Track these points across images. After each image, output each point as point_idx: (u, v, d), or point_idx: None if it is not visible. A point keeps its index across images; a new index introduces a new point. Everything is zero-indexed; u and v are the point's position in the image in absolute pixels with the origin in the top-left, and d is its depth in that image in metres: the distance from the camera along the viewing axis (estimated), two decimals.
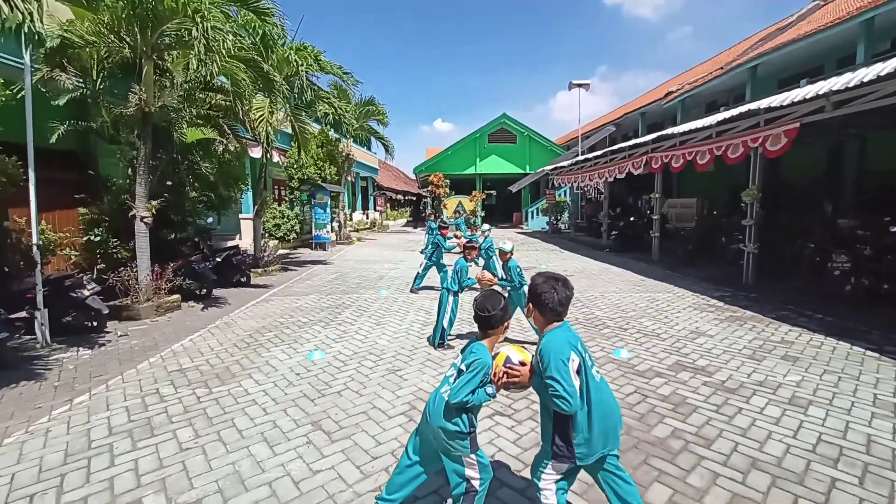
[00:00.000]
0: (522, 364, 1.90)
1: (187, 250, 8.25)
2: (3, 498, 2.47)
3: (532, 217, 25.88)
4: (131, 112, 5.95)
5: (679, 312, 6.51)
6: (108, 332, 5.60)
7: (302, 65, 8.20)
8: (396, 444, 2.97)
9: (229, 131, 8.28)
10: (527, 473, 2.66)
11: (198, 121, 7.80)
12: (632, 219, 15.56)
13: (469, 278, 5.01)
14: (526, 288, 4.90)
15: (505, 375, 1.89)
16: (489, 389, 1.92)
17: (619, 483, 1.95)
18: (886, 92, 5.79)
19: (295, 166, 14.79)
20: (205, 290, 7.43)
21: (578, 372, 1.79)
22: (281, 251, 12.36)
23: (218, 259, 8.21)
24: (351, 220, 21.73)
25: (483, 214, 26.06)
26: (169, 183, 7.75)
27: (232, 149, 9.30)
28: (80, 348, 5.04)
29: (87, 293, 5.29)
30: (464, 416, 1.96)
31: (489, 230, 8.69)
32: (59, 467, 2.76)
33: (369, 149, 25.65)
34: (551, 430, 1.89)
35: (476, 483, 2.02)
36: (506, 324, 2.10)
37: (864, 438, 3.03)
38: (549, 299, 1.88)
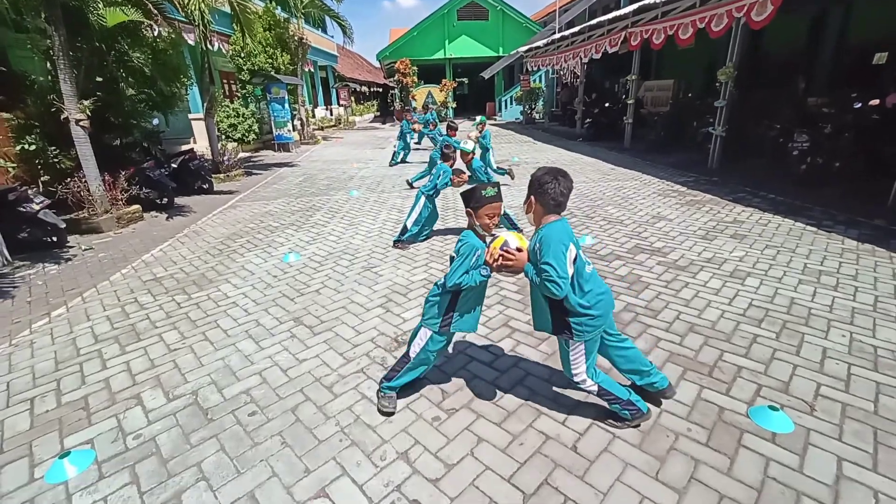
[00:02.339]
0: (519, 250, 1.98)
1: (137, 157, 7.69)
2: (3, 403, 2.62)
3: (506, 106, 24.72)
4: None
5: (643, 199, 6.73)
6: (71, 247, 5.45)
7: None
8: (375, 333, 3.21)
9: (156, 12, 7.14)
10: (545, 348, 2.97)
11: None
12: (607, 105, 15.08)
13: (446, 181, 4.86)
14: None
15: (501, 259, 1.98)
16: (483, 271, 2.07)
17: (624, 350, 2.26)
18: None
19: (242, 55, 13.20)
20: (166, 200, 7.12)
21: (574, 262, 1.91)
22: (242, 154, 11.66)
23: (173, 165, 7.73)
24: (313, 116, 20.26)
25: (454, 106, 24.74)
26: (99, 79, 6.89)
27: (165, 34, 8.17)
28: (46, 264, 4.93)
29: (36, 207, 5.01)
30: (446, 296, 2.18)
31: (485, 123, 8.32)
32: (51, 373, 2.90)
33: (325, 32, 22.89)
34: (549, 318, 2.06)
35: (412, 354, 2.30)
36: (487, 212, 2.12)
37: (787, 301, 3.44)
38: (551, 190, 1.92)
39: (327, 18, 16.98)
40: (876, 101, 7.37)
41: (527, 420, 2.31)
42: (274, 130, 13.65)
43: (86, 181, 5.99)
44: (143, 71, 7.15)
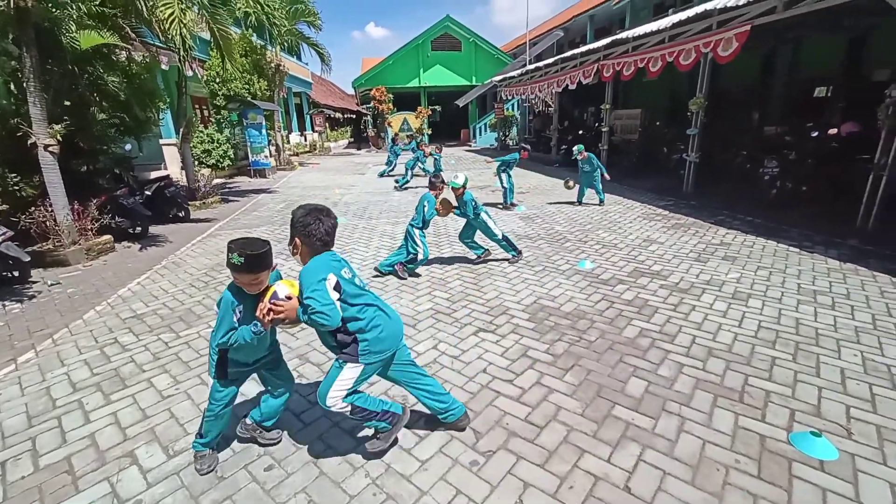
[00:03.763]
0: (289, 298, 1.91)
1: (107, 184, 7.26)
2: None
3: (480, 133, 25.29)
4: (1, 8, 4.68)
5: (631, 223, 6.89)
6: (34, 282, 4.98)
7: None
8: None
9: (133, 35, 6.90)
10: (521, 382, 2.84)
11: (90, 21, 6.37)
12: (580, 132, 15.65)
13: (432, 211, 4.72)
14: (483, 215, 4.90)
15: (271, 312, 1.87)
16: (254, 327, 1.92)
17: (416, 378, 2.27)
18: None
19: (217, 80, 12.95)
20: (139, 229, 6.70)
21: (337, 289, 1.88)
22: (217, 180, 11.26)
23: (147, 192, 7.34)
24: (288, 142, 20.01)
25: (430, 132, 25.10)
26: (67, 103, 6.51)
27: (139, 58, 7.90)
28: (6, 302, 4.47)
29: None
30: (214, 353, 2.05)
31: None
32: (24, 431, 2.55)
33: (300, 59, 22.92)
34: (332, 340, 2.04)
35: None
36: (242, 281, 1.93)
37: (793, 322, 3.51)
38: (315, 231, 1.92)
39: (303, 46, 17.04)
40: (834, 130, 7.93)
41: (570, 459, 2.18)
42: (250, 156, 13.32)
43: (52, 210, 5.55)
44: (117, 95, 6.83)
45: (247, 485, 2.08)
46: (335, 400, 1.99)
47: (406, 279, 4.74)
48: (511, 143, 21.79)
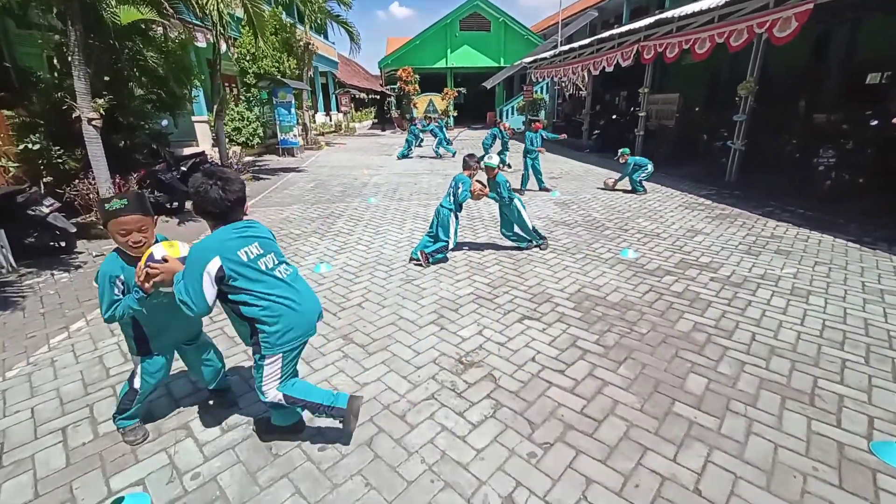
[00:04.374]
0: (165, 260, 1.79)
1: (144, 159, 7.36)
2: (31, 432, 2.32)
3: (507, 116, 24.75)
4: None
5: (672, 212, 6.62)
6: (80, 253, 5.10)
7: None
8: (436, 353, 2.97)
9: (171, 11, 6.87)
10: (573, 373, 2.74)
11: None
12: (613, 116, 15.12)
13: (466, 193, 4.46)
14: (517, 202, 4.71)
15: (147, 276, 1.77)
16: (136, 294, 1.85)
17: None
18: None
19: (248, 58, 12.93)
20: (176, 204, 6.79)
21: (222, 276, 1.71)
22: (247, 158, 11.32)
23: (183, 168, 7.41)
24: (314, 122, 20.00)
25: (455, 114, 24.72)
26: (107, 78, 6.57)
27: (175, 35, 7.90)
28: (54, 272, 4.58)
29: (46, 210, 4.67)
30: (125, 326, 2.05)
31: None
32: (81, 398, 2.59)
33: (326, 37, 22.73)
34: (241, 328, 1.92)
35: (136, 386, 2.13)
36: (116, 230, 1.89)
37: (861, 322, 3.29)
38: (207, 198, 1.75)
39: (329, 24, 16.82)
40: None
41: (633, 457, 2.09)
42: (279, 135, 13.35)
43: (95, 183, 5.65)
44: (155, 71, 6.85)
45: (302, 464, 2.06)
46: (269, 392, 1.93)
47: (427, 267, 4.52)
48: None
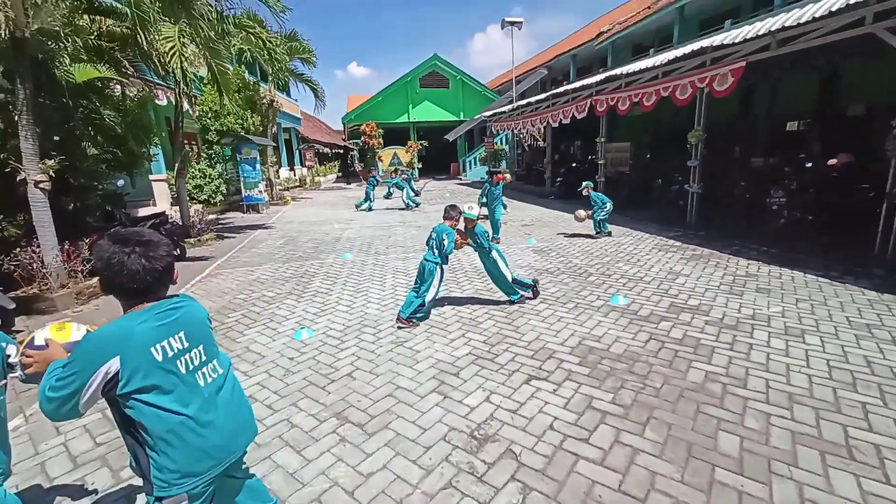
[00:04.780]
0: (47, 345, 1.42)
1: (96, 222, 6.81)
2: None
3: (470, 166, 25.58)
4: None
5: (647, 254, 6.76)
6: (19, 331, 4.44)
7: None
8: (444, 428, 2.66)
9: (132, 69, 6.67)
10: (597, 441, 2.51)
11: (84, 54, 6.12)
12: (573, 164, 15.91)
13: (452, 245, 4.33)
14: (495, 251, 4.61)
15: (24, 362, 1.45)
16: (21, 375, 1.54)
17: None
18: (830, 28, 6.06)
19: (209, 116, 12.75)
20: None
21: (111, 388, 1.25)
22: (209, 216, 10.83)
23: None
24: (278, 177, 19.75)
25: (420, 166, 25.27)
26: (56, 138, 6.15)
27: (133, 93, 7.66)
28: None
29: None
30: None
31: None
32: None
33: (289, 95, 23.07)
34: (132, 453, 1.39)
35: None
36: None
37: (863, 360, 3.30)
38: (117, 272, 1.30)
39: (292, 82, 17.11)
40: (833, 161, 8.12)
41: None
42: (243, 191, 12.98)
43: (40, 251, 5.08)
44: (113, 129, 6.52)
45: None
46: None
47: (416, 327, 4.22)
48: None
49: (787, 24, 6.03)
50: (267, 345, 3.96)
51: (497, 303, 4.84)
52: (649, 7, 16.96)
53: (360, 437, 2.61)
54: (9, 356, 1.69)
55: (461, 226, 4.61)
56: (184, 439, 1.31)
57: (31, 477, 2.39)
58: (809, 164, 9.26)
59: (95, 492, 2.26)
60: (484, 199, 8.65)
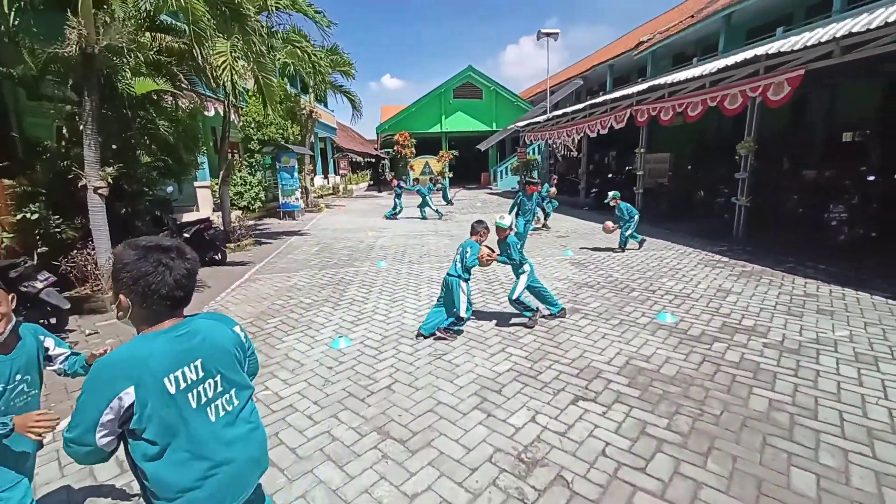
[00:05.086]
0: None
1: (145, 226, 7.12)
2: None
3: (501, 176, 25.48)
4: (70, 53, 4.69)
5: (692, 269, 6.45)
6: (71, 331, 4.66)
7: None
8: (490, 448, 2.56)
9: (186, 82, 7.00)
10: (655, 471, 2.34)
11: (144, 68, 6.47)
12: (609, 175, 15.56)
13: (474, 258, 4.19)
14: (526, 266, 4.40)
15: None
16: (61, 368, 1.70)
17: None
18: None
19: (252, 126, 13.25)
20: None
21: (124, 422, 1.13)
22: (247, 222, 11.19)
23: (186, 235, 7.16)
24: (313, 185, 20.29)
25: (451, 175, 25.37)
26: (114, 146, 6.50)
27: (186, 104, 8.01)
28: None
29: (39, 285, 4.31)
30: None
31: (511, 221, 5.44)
32: None
33: (326, 106, 23.75)
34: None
35: None
36: None
37: None
38: (155, 283, 1.16)
39: (330, 93, 17.61)
40: None
41: None
42: (281, 198, 13.37)
43: (95, 253, 5.34)
44: (165, 139, 6.83)
45: None
46: None
47: (454, 340, 4.12)
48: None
49: (854, 31, 5.68)
50: (305, 352, 3.97)
51: (545, 316, 4.69)
52: (692, 16, 16.51)
53: (403, 454, 2.54)
54: (48, 349, 1.73)
55: (493, 238, 4.47)
56: (212, 475, 1.21)
57: (81, 479, 2.44)
58: (872, 178, 8.68)
59: (138, 496, 2.29)
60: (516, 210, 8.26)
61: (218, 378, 1.26)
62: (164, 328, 1.21)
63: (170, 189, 7.77)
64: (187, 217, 9.88)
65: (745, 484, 2.23)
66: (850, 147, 11.94)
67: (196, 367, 1.21)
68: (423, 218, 13.13)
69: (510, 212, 8.11)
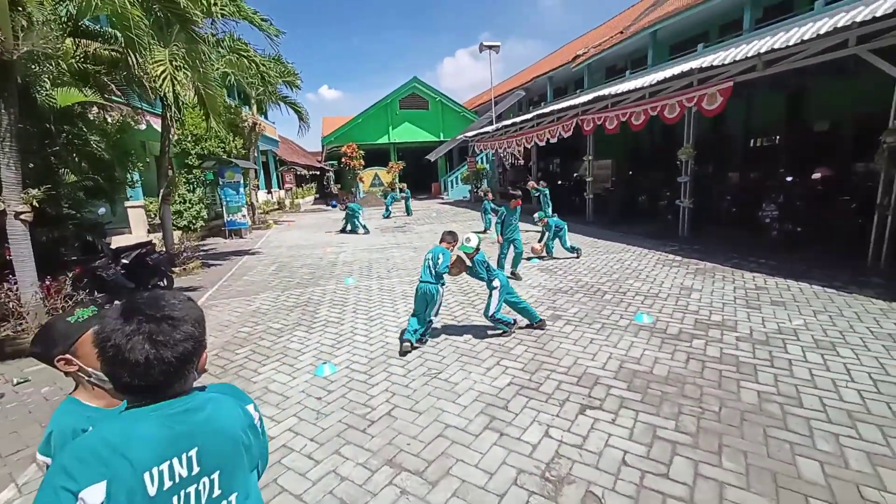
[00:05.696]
0: None
1: (72, 254, 6.31)
2: None
3: (452, 186, 25.68)
4: None
5: (653, 270, 6.80)
6: None
7: (215, 3, 6.41)
8: (513, 471, 2.46)
9: (119, 93, 6.33)
10: (677, 475, 2.36)
11: (67, 78, 5.76)
12: (559, 182, 16.18)
13: (445, 264, 4.18)
14: (496, 281, 4.35)
15: None
16: None
17: None
18: (813, 51, 6.41)
19: (190, 139, 12.31)
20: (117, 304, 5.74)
21: None
22: (191, 244, 10.31)
23: (125, 261, 6.42)
24: (257, 200, 19.23)
25: (405, 185, 25.19)
26: (31, 165, 5.71)
27: (116, 117, 7.27)
28: None
29: None
30: None
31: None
32: None
33: (267, 117, 22.72)
34: None
35: None
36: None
37: None
38: (114, 358, 0.90)
39: (271, 104, 16.86)
40: (818, 175, 8.51)
41: None
42: (225, 216, 12.49)
43: (18, 288, 4.62)
44: (97, 155, 6.12)
45: None
46: None
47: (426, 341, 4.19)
48: (482, 196, 22.13)
49: (775, 47, 6.33)
50: (288, 384, 3.66)
51: (523, 327, 4.68)
52: (622, 32, 17.75)
53: (423, 486, 2.38)
54: None
55: (459, 253, 4.39)
56: None
57: None
58: (790, 179, 9.71)
59: None
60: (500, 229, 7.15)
61: (215, 477, 0.97)
62: (157, 404, 0.94)
63: (101, 210, 6.98)
64: (121, 240, 8.93)
65: (762, 479, 2.31)
66: (765, 151, 13.35)
67: (190, 458, 0.93)
68: (354, 230, 12.70)
69: (496, 230, 7.33)
